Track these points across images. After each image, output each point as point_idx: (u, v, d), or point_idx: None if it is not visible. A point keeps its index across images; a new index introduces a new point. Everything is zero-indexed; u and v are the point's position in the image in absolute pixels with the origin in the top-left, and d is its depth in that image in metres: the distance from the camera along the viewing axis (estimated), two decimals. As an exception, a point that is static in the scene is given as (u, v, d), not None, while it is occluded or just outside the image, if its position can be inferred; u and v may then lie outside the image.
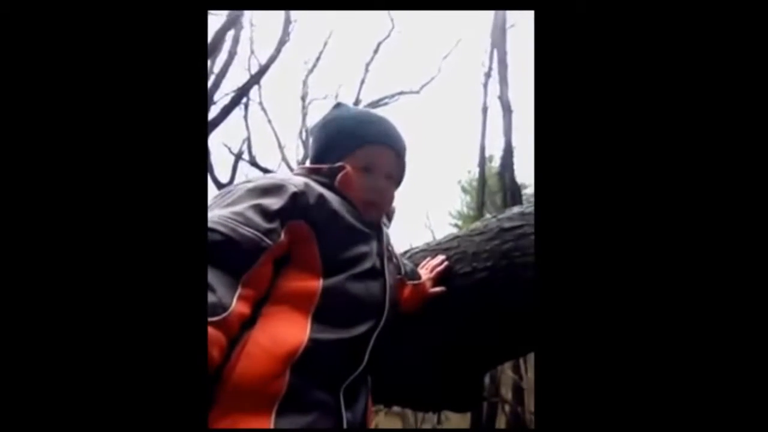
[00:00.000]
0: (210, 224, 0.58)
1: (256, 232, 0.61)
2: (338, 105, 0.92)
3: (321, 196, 0.71)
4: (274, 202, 0.65)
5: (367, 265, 0.74)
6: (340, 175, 0.78)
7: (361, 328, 0.69)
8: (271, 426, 0.55)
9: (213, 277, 0.55)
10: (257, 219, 0.62)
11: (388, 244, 0.87)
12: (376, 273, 0.76)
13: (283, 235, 0.65)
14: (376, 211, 0.83)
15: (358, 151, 0.83)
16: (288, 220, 0.67)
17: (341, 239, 0.73)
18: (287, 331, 0.62)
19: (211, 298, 0.54)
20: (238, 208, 0.63)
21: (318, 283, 0.68)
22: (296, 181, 0.70)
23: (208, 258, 0.55)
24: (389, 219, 0.93)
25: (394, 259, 0.89)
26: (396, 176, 0.88)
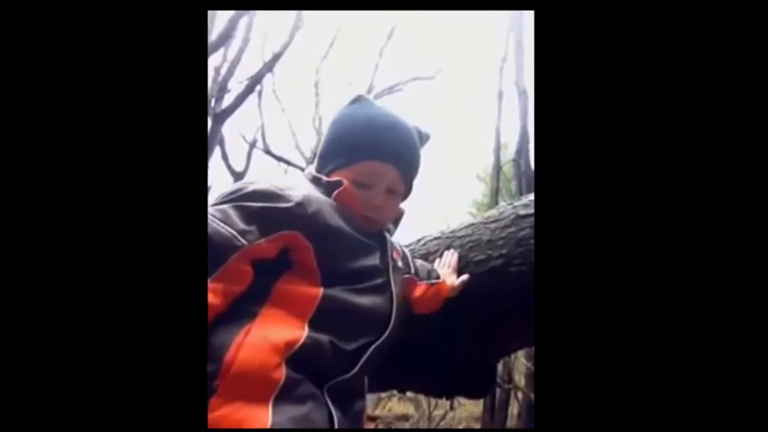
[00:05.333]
0: None
1: (230, 230, 0.62)
2: (358, 99, 0.84)
3: (319, 209, 0.71)
4: (259, 206, 0.66)
5: (373, 280, 0.74)
6: (337, 191, 0.76)
7: (360, 342, 0.69)
8: (269, 414, 0.55)
9: None
10: (235, 218, 0.64)
11: (394, 250, 0.84)
12: (382, 288, 0.75)
13: (263, 241, 0.66)
14: (375, 225, 0.81)
15: (358, 165, 0.78)
16: (274, 226, 0.67)
17: (341, 251, 0.72)
18: (286, 328, 0.64)
19: None
20: (226, 205, 0.65)
21: (317, 292, 0.68)
22: (297, 192, 0.70)
23: None
24: (395, 224, 0.90)
25: (400, 264, 0.86)
26: (400, 190, 0.83)
